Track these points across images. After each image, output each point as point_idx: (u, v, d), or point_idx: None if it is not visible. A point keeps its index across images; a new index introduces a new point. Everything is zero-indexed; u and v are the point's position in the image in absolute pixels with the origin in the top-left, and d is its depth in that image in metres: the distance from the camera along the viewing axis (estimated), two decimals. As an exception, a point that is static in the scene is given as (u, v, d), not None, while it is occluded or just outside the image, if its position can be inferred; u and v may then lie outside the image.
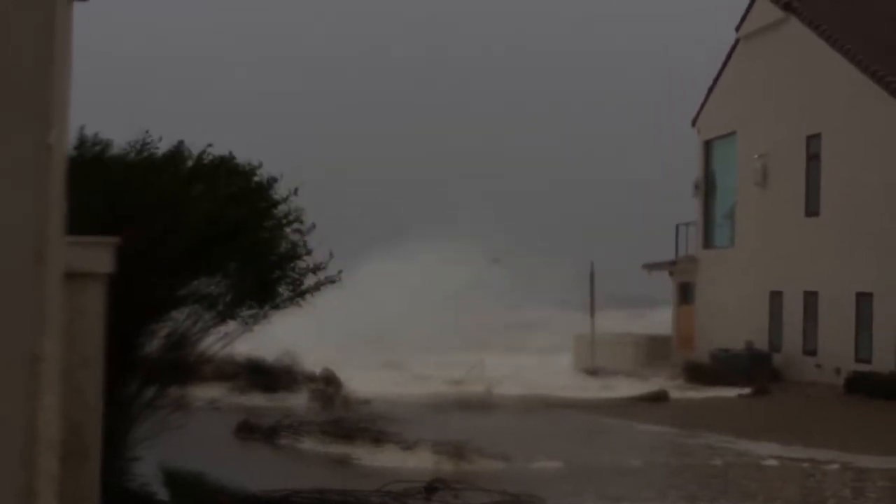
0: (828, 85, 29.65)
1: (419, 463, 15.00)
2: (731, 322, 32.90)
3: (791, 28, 31.47)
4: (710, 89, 36.31)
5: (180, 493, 11.24)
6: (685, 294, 37.29)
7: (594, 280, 34.95)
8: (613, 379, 29.82)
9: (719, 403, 25.94)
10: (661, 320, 38.58)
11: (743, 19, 34.14)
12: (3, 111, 3.73)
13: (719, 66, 35.72)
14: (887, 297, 26.62)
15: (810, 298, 29.88)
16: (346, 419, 18.39)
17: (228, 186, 11.29)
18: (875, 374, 25.83)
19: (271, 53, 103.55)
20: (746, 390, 27.15)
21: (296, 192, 11.59)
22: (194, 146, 11.51)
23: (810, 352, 29.67)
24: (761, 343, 31.31)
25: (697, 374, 29.94)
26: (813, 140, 30.21)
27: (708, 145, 36.74)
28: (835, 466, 16.11)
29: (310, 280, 11.71)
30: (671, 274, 38.15)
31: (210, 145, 11.47)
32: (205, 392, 16.12)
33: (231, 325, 11.76)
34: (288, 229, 11.55)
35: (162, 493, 11.14)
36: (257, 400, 21.89)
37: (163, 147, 11.40)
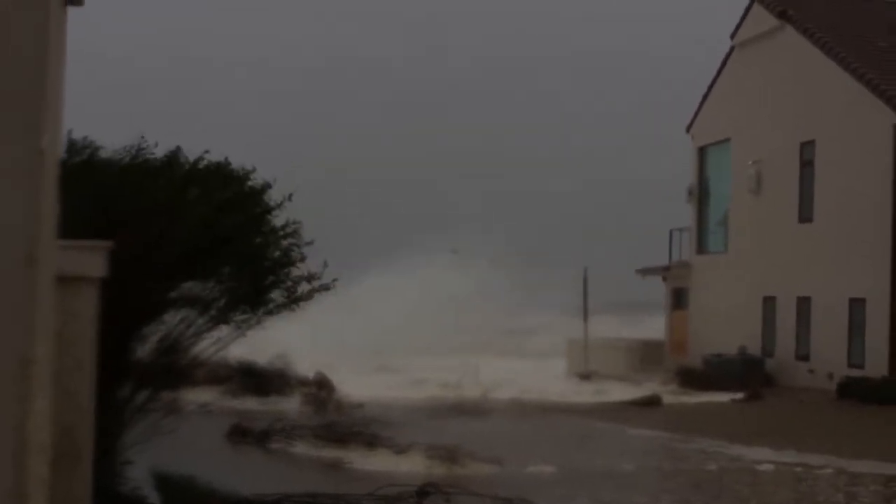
0: (822, 92, 29.72)
1: (412, 467, 15.00)
2: (725, 327, 32.94)
3: (786, 36, 31.54)
4: (705, 96, 36.37)
5: (172, 497, 11.24)
6: (679, 299, 37.33)
7: (587, 285, 34.98)
8: (606, 383, 29.83)
9: (712, 408, 25.97)
10: (656, 325, 38.62)
11: (738, 27, 34.20)
12: (-5, 116, 3.74)
13: (715, 71, 35.81)
14: (880, 302, 26.67)
15: (803, 304, 29.93)
16: (338, 423, 18.39)
17: (223, 192, 11.30)
18: (867, 379, 25.88)
19: (271, 54, 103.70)
20: (739, 395, 27.19)
21: (290, 197, 11.60)
22: (195, 147, 11.53)
23: (803, 357, 29.72)
24: (754, 348, 31.37)
25: (690, 378, 29.96)
26: (807, 147, 30.28)
27: (702, 152, 36.79)
28: (827, 471, 16.13)
29: (304, 287, 11.72)
30: (665, 279, 38.19)
31: (207, 151, 11.48)
32: (197, 395, 16.11)
33: (224, 330, 11.77)
34: (284, 241, 11.56)
35: (153, 496, 11.14)
36: (249, 403, 21.88)
37: (160, 151, 11.41)
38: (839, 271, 28.21)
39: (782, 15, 31.56)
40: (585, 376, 31.76)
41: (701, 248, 36.55)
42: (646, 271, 39.08)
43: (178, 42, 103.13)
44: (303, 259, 11.66)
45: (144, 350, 11.27)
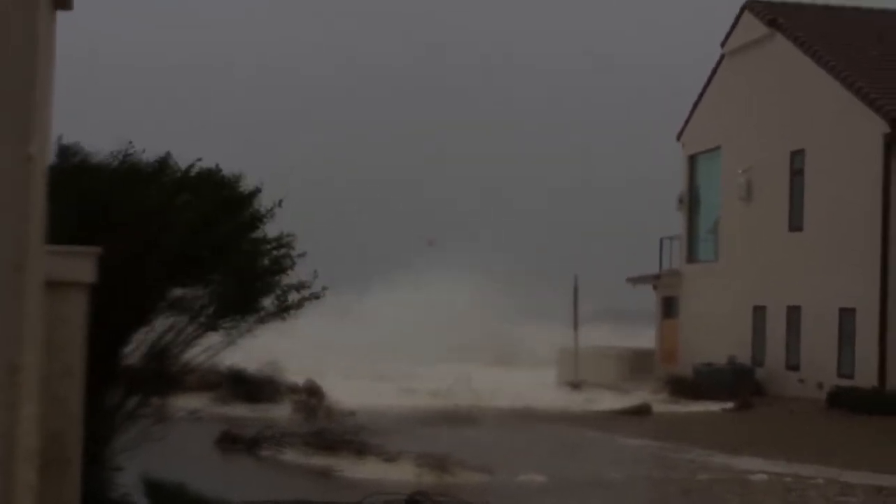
0: (812, 101, 29.78)
1: (402, 475, 14.97)
2: (715, 336, 32.95)
3: (776, 44, 31.60)
4: (695, 104, 36.43)
5: (161, 504, 11.21)
6: (669, 308, 37.35)
7: (577, 294, 34.99)
8: (597, 392, 29.82)
9: (702, 417, 25.97)
10: (646, 334, 38.63)
11: (728, 35, 34.27)
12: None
13: (705, 79, 35.87)
14: (870, 312, 26.69)
15: (793, 313, 29.95)
16: (328, 430, 18.34)
17: (214, 198, 11.27)
18: (857, 389, 25.90)
19: (271, 54, 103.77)
20: (729, 405, 27.20)
21: (280, 203, 11.58)
22: (193, 153, 11.51)
23: (793, 366, 29.73)
24: (744, 357, 31.37)
25: (681, 388, 29.95)
26: (797, 156, 30.33)
27: (692, 160, 36.84)
28: (818, 481, 16.13)
29: (294, 297, 11.70)
30: (655, 288, 38.21)
31: (199, 159, 11.46)
32: (187, 402, 16.06)
33: (215, 337, 11.74)
34: (276, 252, 11.55)
35: (143, 503, 11.11)
36: (239, 410, 21.82)
37: (152, 157, 11.38)
38: (829, 280, 28.24)
39: (772, 23, 31.62)
40: (576, 385, 31.75)
41: (691, 256, 36.59)
42: (636, 280, 39.10)
43: (176, 42, 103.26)
44: (292, 266, 11.64)
45: (134, 356, 11.24)
